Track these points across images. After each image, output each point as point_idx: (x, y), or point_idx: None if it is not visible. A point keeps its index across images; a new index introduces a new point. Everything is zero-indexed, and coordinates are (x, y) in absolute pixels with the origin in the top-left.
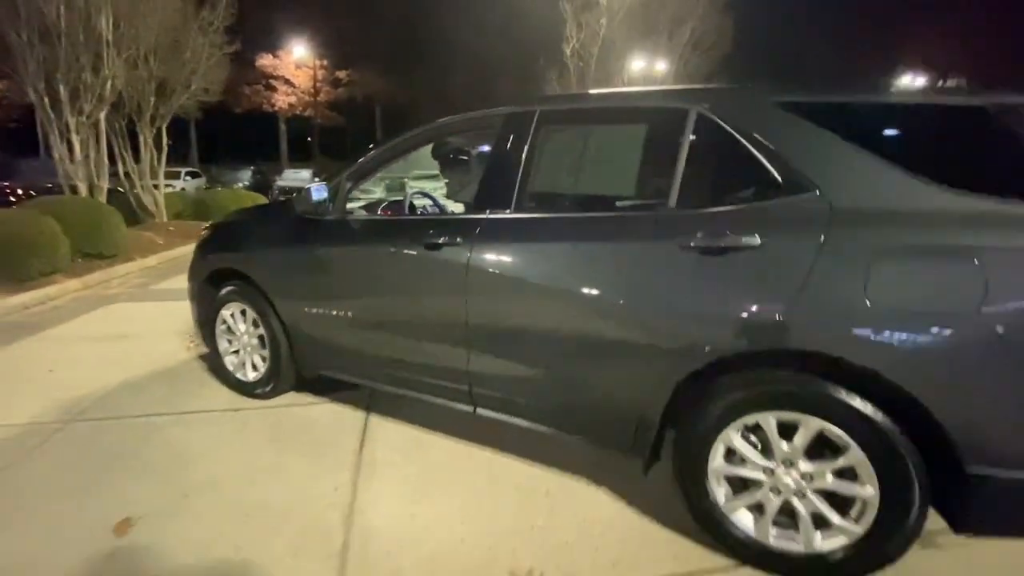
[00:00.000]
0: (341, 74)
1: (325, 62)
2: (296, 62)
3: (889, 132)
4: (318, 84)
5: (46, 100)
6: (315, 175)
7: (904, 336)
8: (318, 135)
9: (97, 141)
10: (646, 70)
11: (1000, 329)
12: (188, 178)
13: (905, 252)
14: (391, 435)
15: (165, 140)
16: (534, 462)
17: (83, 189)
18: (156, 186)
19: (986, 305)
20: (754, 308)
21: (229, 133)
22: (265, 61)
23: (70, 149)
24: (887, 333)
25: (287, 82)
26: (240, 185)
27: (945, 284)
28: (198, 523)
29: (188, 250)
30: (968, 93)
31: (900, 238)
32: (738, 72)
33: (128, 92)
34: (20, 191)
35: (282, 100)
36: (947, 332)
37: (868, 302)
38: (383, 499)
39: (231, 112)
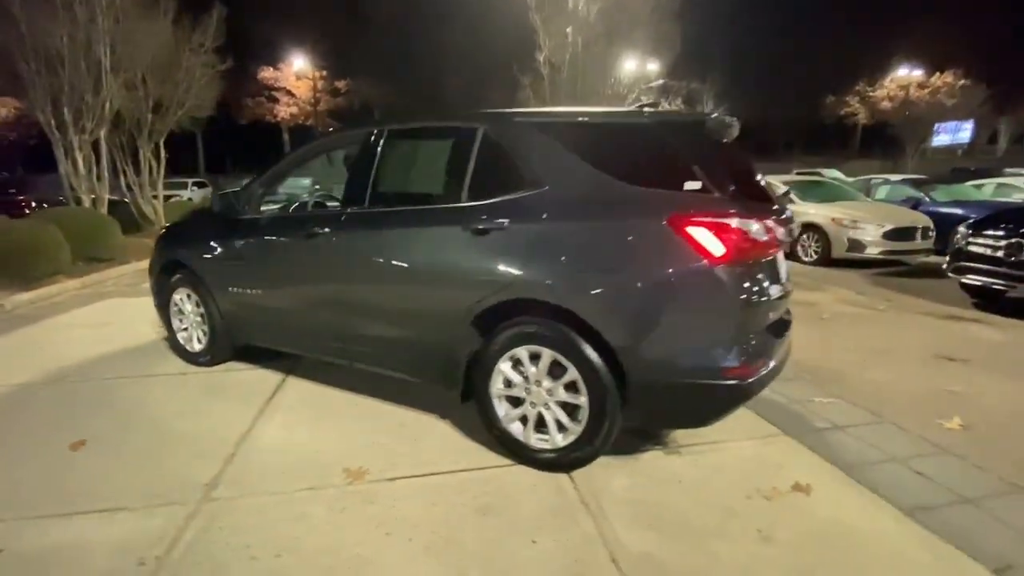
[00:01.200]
0: (340, 84)
1: (324, 73)
2: (296, 73)
3: (592, 141)
4: (318, 94)
5: (52, 121)
6: (314, 182)
7: (584, 285)
8: None
9: (98, 157)
10: (619, 72)
11: (637, 282)
12: (195, 188)
13: (584, 228)
14: (300, 389)
15: (163, 154)
16: (404, 405)
17: (86, 201)
18: (155, 196)
19: (626, 263)
20: (504, 271)
21: (235, 144)
22: (266, 74)
23: (74, 165)
24: (575, 284)
25: (288, 93)
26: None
27: (605, 248)
28: (134, 443)
29: None
30: (639, 112)
31: (582, 217)
32: (690, 74)
33: (127, 111)
34: (34, 203)
35: (284, 111)
36: (606, 281)
37: (564, 263)
38: (273, 428)
39: (236, 124)
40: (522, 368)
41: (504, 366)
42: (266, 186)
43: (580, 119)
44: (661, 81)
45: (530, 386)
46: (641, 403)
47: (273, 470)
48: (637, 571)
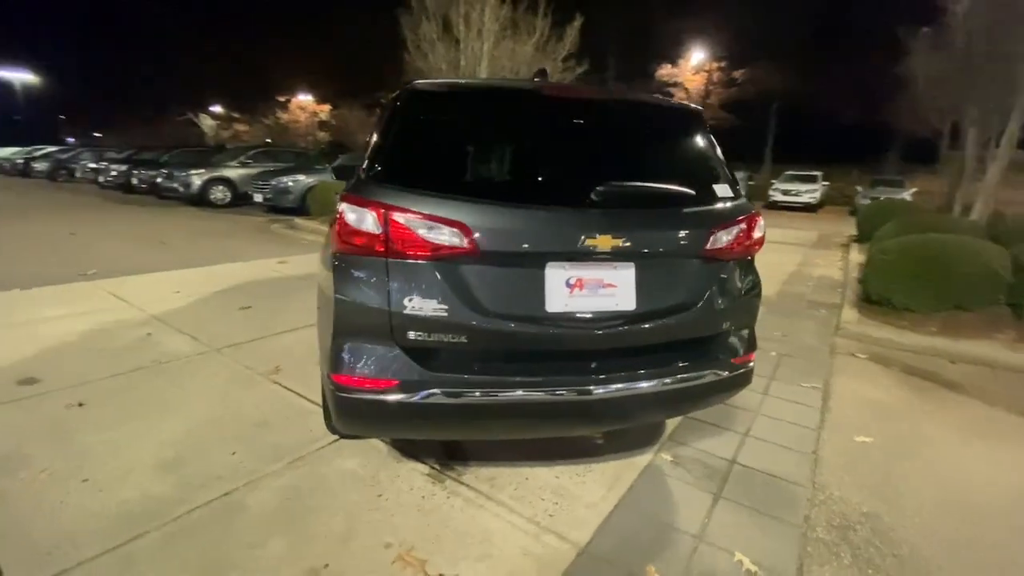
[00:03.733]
0: (737, 74)
1: (723, 64)
2: (694, 67)
3: None
4: (711, 86)
5: None
6: None
7: None
8: None
9: None
10: None
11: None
12: None
13: None
14: None
15: None
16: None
17: None
18: None
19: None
20: None
21: None
22: (663, 71)
23: None
24: None
25: (682, 88)
26: None
27: None
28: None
29: None
30: None
31: None
32: None
33: None
34: None
35: None
36: None
37: None
38: None
39: None
40: None
41: None
42: None
43: None
44: None
45: None
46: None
47: None
48: None
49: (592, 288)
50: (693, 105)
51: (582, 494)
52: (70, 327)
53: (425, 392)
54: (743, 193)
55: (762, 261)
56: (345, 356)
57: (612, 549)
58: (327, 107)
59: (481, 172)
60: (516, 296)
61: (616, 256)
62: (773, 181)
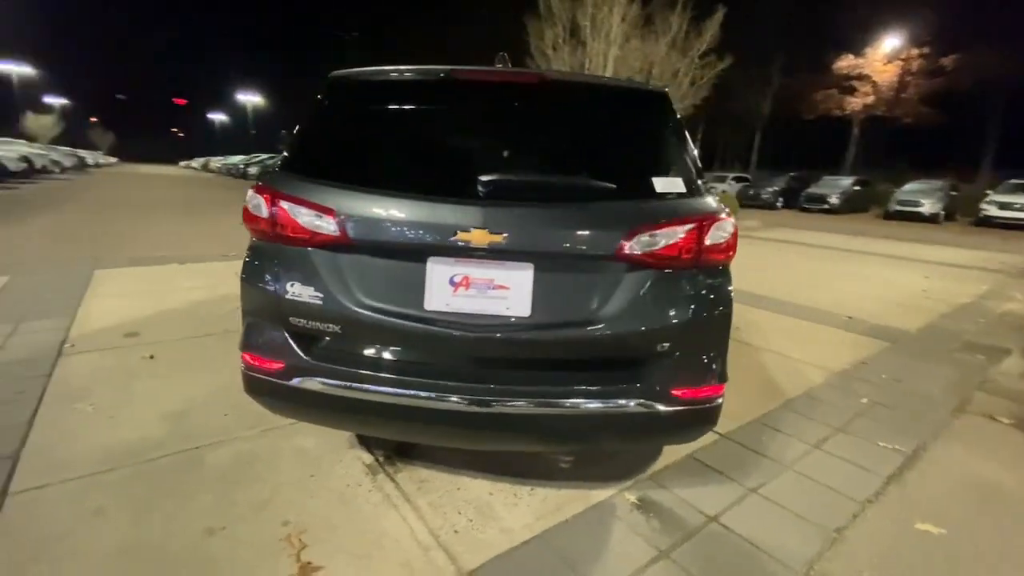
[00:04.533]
0: (946, 60)
1: (925, 50)
2: (886, 56)
3: None
4: (908, 77)
5: None
6: (856, 184)
7: None
8: (899, 136)
9: None
10: None
11: None
12: (733, 182)
13: None
14: None
15: None
16: None
17: None
18: None
19: None
20: None
21: (798, 141)
22: (843, 63)
23: None
24: None
25: (868, 81)
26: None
27: None
28: None
29: None
30: None
31: None
32: None
33: None
34: None
35: (856, 102)
36: None
37: None
38: None
39: (801, 120)
40: None
41: None
42: None
43: None
44: None
45: None
46: None
47: None
48: None
49: (480, 288)
50: (648, 86)
51: (505, 517)
52: (187, 296)
53: (304, 378)
54: (703, 190)
55: (933, 288)
56: (248, 334)
57: None
58: None
59: (382, 160)
60: (393, 290)
61: (505, 255)
62: (988, 192)
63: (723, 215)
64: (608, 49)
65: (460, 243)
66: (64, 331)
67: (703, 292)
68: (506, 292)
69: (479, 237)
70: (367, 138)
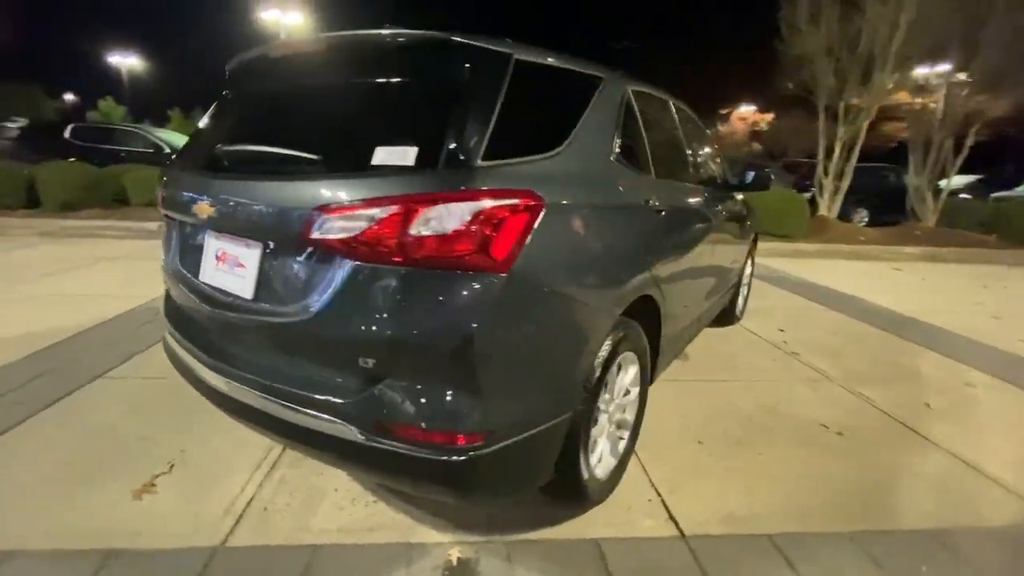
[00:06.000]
0: None
1: None
2: None
3: None
4: None
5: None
6: None
7: None
8: None
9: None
10: None
11: None
12: None
13: None
14: None
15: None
16: None
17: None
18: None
19: None
20: None
21: None
22: None
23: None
24: None
25: None
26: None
27: None
28: None
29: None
30: None
31: None
32: None
33: None
34: None
35: None
36: None
37: None
38: None
39: None
40: None
41: None
42: None
43: None
44: None
45: None
46: None
47: None
48: None
49: (231, 265)
50: (421, 34)
51: (320, 516)
52: None
53: (166, 332)
54: (477, 165)
55: None
56: None
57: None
58: (767, 116)
59: (201, 142)
60: (189, 259)
61: (242, 232)
62: None
63: (462, 198)
64: (897, 12)
65: (198, 215)
66: None
67: (426, 301)
68: (244, 271)
69: (201, 209)
70: (208, 122)
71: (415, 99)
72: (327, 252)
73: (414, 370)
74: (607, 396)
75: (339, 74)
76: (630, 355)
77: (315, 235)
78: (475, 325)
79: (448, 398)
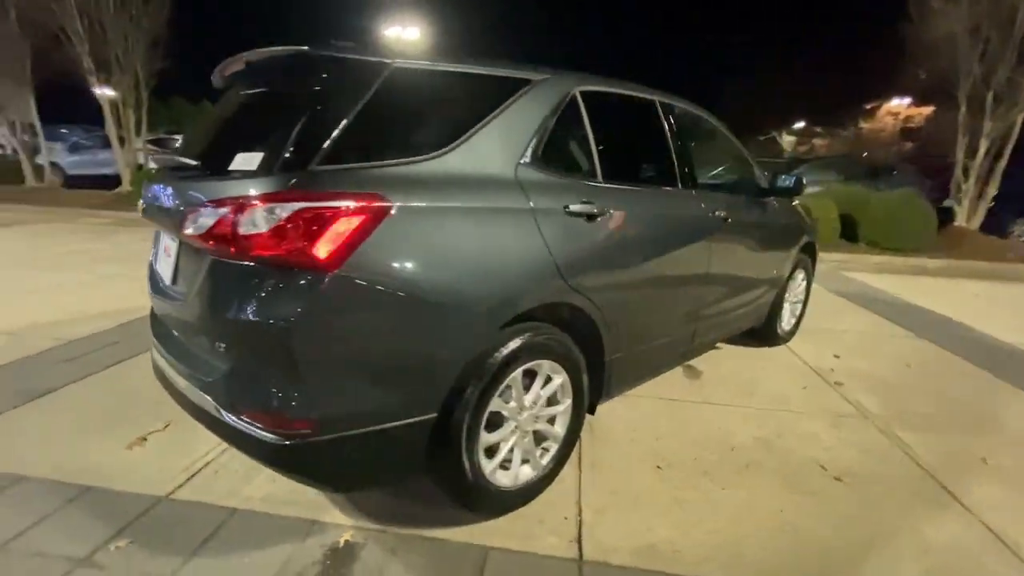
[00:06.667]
0: None
1: None
2: None
3: None
4: None
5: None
6: None
7: None
8: None
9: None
10: None
11: None
12: None
13: None
14: None
15: None
16: None
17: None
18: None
19: None
20: None
21: None
22: None
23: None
24: None
25: None
26: None
27: None
28: None
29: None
30: None
31: None
32: None
33: None
34: None
35: None
36: None
37: None
38: None
39: None
40: None
41: None
42: None
43: None
44: None
45: None
46: None
47: None
48: None
49: (168, 254)
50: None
51: (251, 483)
52: None
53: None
54: (302, 166)
55: None
56: None
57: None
58: (923, 110)
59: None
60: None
61: (168, 228)
62: None
63: (284, 199)
64: None
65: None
66: None
67: (255, 294)
68: (170, 260)
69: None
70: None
71: (278, 109)
72: (192, 247)
73: (250, 357)
74: (512, 404)
75: (241, 88)
76: (548, 364)
77: (185, 231)
78: (295, 320)
79: (273, 386)
